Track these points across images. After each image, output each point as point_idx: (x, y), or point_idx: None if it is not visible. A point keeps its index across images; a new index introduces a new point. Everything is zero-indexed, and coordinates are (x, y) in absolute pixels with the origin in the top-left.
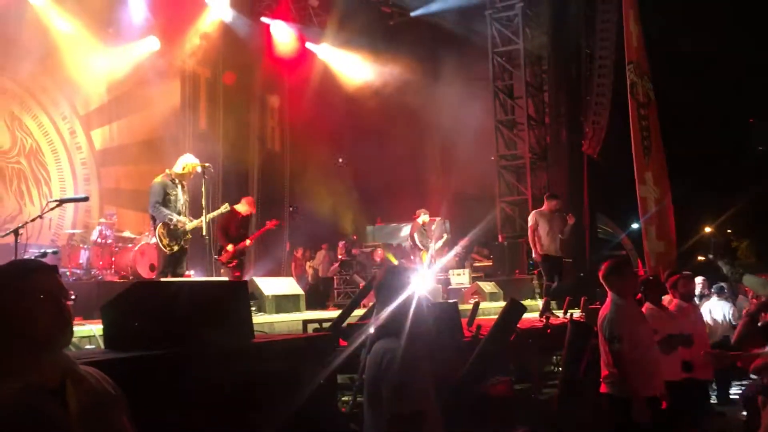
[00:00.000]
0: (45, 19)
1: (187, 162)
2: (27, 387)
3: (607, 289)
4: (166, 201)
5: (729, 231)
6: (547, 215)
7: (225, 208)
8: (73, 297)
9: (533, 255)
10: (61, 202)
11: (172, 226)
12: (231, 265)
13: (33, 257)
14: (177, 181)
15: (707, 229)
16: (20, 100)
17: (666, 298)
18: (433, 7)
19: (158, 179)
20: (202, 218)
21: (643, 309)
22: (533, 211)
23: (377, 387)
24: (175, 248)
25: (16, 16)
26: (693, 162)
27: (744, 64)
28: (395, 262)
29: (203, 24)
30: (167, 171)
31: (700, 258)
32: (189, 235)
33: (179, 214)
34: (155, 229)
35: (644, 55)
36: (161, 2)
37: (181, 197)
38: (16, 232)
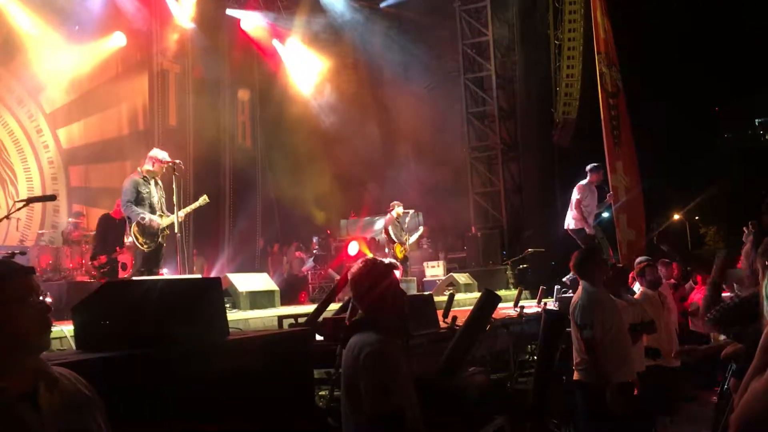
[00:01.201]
0: (8, 18)
1: (156, 157)
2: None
3: (578, 278)
4: (138, 199)
5: (697, 218)
6: (592, 189)
7: (203, 200)
8: (49, 299)
9: (573, 226)
10: (29, 201)
11: (146, 225)
12: (103, 270)
13: (2, 258)
14: (149, 177)
15: (676, 217)
16: None
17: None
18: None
19: (129, 178)
20: (177, 214)
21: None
22: (579, 184)
23: (355, 381)
24: (152, 245)
25: None
26: (661, 151)
27: (711, 52)
28: (370, 255)
29: (171, 19)
30: (138, 169)
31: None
32: (166, 231)
33: (153, 211)
34: (130, 228)
35: (613, 45)
36: None
37: (155, 193)
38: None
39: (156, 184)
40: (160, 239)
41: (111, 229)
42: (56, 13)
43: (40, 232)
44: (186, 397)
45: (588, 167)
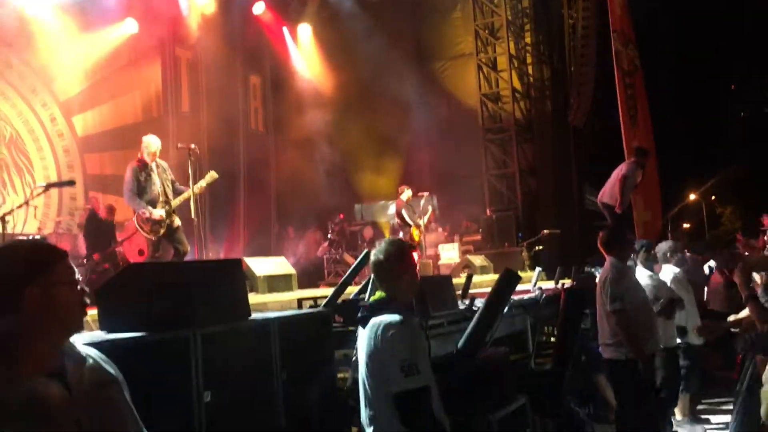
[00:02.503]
0: (19, 6)
1: (149, 143)
2: (28, 372)
3: (606, 255)
4: (139, 189)
5: (713, 197)
6: (638, 171)
7: (210, 176)
8: (80, 279)
9: (609, 201)
10: (48, 186)
11: (146, 218)
12: (100, 268)
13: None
14: (148, 165)
15: (692, 197)
16: None
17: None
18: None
19: (128, 167)
20: (180, 197)
21: (643, 275)
22: (628, 161)
23: (377, 361)
24: (161, 231)
25: None
26: (677, 130)
27: (726, 31)
28: (390, 237)
29: (182, 5)
30: (138, 157)
31: (686, 225)
32: (174, 214)
33: (157, 198)
34: (134, 220)
35: (628, 22)
36: None
37: (156, 181)
38: (2, 219)
39: (158, 167)
40: (170, 223)
41: (99, 228)
42: (68, 1)
43: (57, 219)
44: (209, 379)
45: (637, 147)
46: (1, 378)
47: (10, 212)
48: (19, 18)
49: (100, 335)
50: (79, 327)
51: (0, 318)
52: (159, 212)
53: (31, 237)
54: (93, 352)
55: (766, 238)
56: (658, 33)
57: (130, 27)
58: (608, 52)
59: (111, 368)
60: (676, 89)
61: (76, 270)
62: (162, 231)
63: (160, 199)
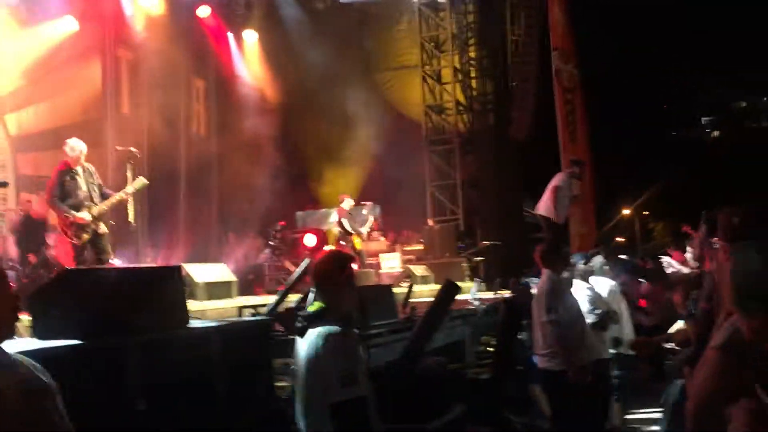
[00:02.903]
0: None
1: (74, 146)
2: None
3: (543, 268)
4: (64, 193)
5: (646, 213)
6: (570, 179)
7: (140, 182)
8: (11, 284)
9: (549, 214)
10: None
11: (72, 222)
12: (37, 270)
13: None
14: (74, 168)
15: (625, 212)
16: None
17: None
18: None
19: (55, 171)
20: (106, 202)
21: (579, 287)
22: (561, 172)
23: (317, 371)
24: (85, 237)
25: None
26: (612, 146)
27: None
28: (333, 247)
29: (124, 4)
30: (64, 160)
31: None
32: (99, 221)
33: (82, 203)
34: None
35: (570, 41)
36: None
37: (82, 185)
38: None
39: (85, 171)
40: (93, 230)
41: (31, 230)
42: None
43: None
44: (145, 387)
45: (572, 159)
46: None
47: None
48: None
49: (34, 342)
50: (8, 333)
51: None
52: (83, 215)
53: None
54: (25, 361)
55: (689, 248)
56: (598, 52)
57: (69, 25)
58: (550, 68)
59: (43, 376)
60: (613, 107)
61: (6, 274)
62: (86, 236)
63: (86, 203)
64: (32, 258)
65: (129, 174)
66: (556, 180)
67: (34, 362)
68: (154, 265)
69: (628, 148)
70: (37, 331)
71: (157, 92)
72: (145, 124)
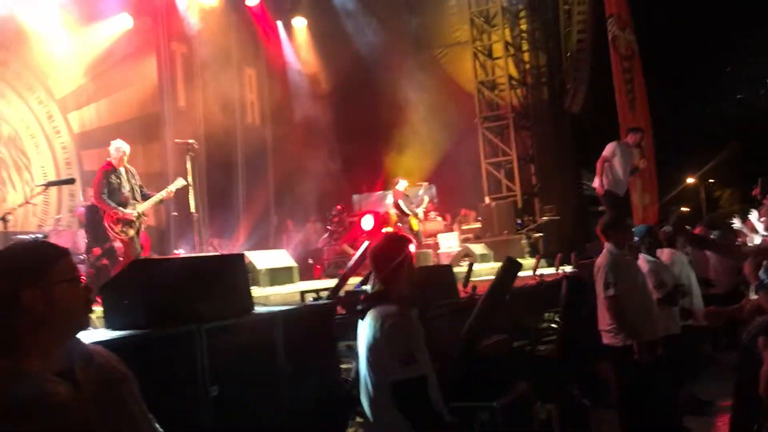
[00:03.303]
0: (13, 5)
1: (119, 147)
2: (37, 372)
3: (604, 241)
4: (111, 191)
5: (711, 181)
6: (626, 150)
7: (180, 182)
8: (84, 277)
9: (596, 185)
10: (48, 185)
11: (119, 218)
12: (99, 263)
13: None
14: (117, 168)
15: (690, 180)
16: None
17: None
18: None
19: (100, 170)
20: (148, 202)
21: (644, 260)
22: (613, 142)
23: (376, 352)
24: (131, 233)
25: None
26: (674, 113)
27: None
28: (391, 229)
29: None
30: (108, 160)
31: (683, 209)
32: (143, 217)
33: (126, 200)
34: (103, 220)
35: (625, 7)
36: None
37: (125, 184)
38: (4, 218)
39: (128, 172)
40: (137, 227)
41: (96, 223)
42: None
43: (57, 216)
44: (214, 373)
45: (629, 128)
46: (12, 375)
47: (11, 211)
48: (14, 17)
49: (106, 333)
50: (83, 325)
51: (6, 318)
52: (130, 211)
53: (32, 236)
54: (101, 350)
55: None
56: (655, 16)
57: (124, 22)
58: (604, 38)
59: (120, 365)
60: (673, 72)
61: (79, 267)
62: (132, 232)
63: (130, 201)
64: (97, 250)
65: (188, 166)
66: (606, 151)
67: (110, 352)
68: (217, 253)
69: (690, 114)
70: (109, 322)
71: (211, 84)
72: (201, 115)
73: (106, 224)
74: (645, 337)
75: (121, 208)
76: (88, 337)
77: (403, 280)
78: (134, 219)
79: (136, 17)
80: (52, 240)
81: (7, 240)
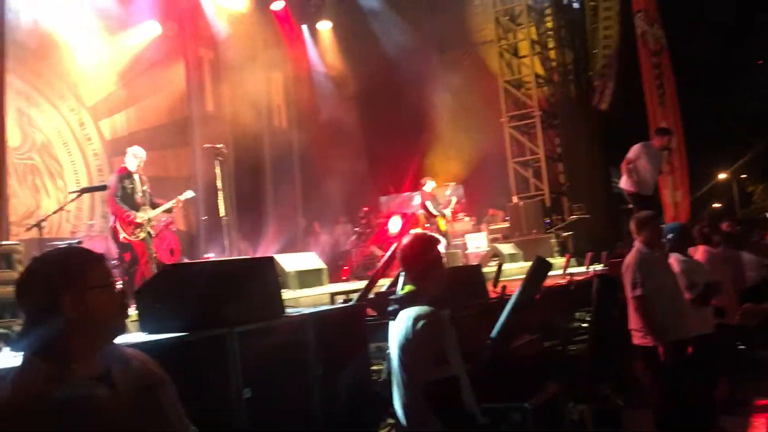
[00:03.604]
0: (43, 15)
1: (136, 154)
2: (77, 376)
3: (635, 238)
4: (124, 195)
5: (744, 176)
6: (655, 152)
7: (189, 194)
8: (119, 282)
9: (622, 185)
10: (82, 192)
11: (130, 221)
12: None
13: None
14: (132, 174)
15: (721, 176)
16: (26, 96)
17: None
18: None
19: (114, 174)
20: (158, 209)
21: (676, 259)
22: (639, 144)
23: (409, 353)
24: (141, 235)
25: (13, 12)
26: (704, 107)
27: (752, 5)
28: (420, 230)
29: (202, 4)
30: (123, 165)
31: (715, 205)
32: (153, 222)
33: (138, 205)
34: (116, 223)
35: (653, 1)
36: None
37: (138, 189)
38: (39, 225)
39: (139, 178)
40: (147, 232)
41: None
42: (90, 6)
43: (89, 222)
44: (247, 376)
45: (656, 129)
46: (54, 378)
47: (46, 218)
48: (45, 26)
49: (141, 336)
50: (119, 329)
51: (46, 323)
52: (141, 215)
53: (68, 242)
54: (138, 354)
55: None
56: (683, 10)
57: (153, 29)
58: (630, 33)
59: (156, 369)
60: (703, 66)
61: (114, 272)
62: (142, 235)
63: (141, 207)
64: (127, 255)
65: (217, 170)
66: (630, 153)
67: (147, 356)
68: (248, 256)
69: (721, 108)
70: (143, 326)
71: (239, 88)
72: (229, 120)
73: (116, 226)
74: (673, 338)
75: (133, 212)
76: (124, 341)
77: (434, 280)
78: (144, 223)
79: (164, 24)
80: (85, 245)
81: (42, 246)
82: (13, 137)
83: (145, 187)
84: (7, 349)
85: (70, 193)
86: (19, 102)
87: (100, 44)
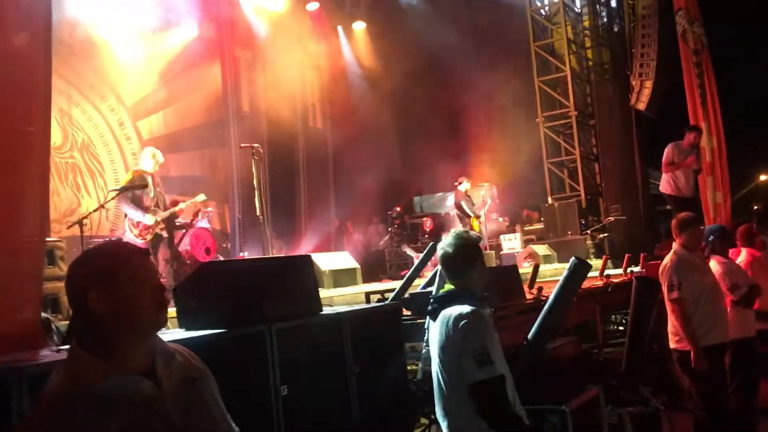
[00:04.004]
0: (84, 16)
1: (154, 154)
2: (120, 370)
3: (675, 239)
4: (135, 197)
5: None
6: (685, 150)
7: (201, 198)
8: (163, 279)
9: (663, 188)
10: (121, 190)
11: (140, 222)
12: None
13: (117, 241)
14: (146, 175)
15: (763, 177)
16: (67, 96)
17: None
18: None
19: (127, 176)
20: (169, 212)
21: (717, 261)
22: (670, 144)
23: (451, 352)
24: (149, 237)
25: (57, 14)
26: (743, 106)
27: None
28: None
29: (240, 5)
30: (136, 167)
31: (756, 207)
32: (162, 225)
33: (150, 207)
34: (125, 222)
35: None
36: None
37: (151, 191)
38: (80, 223)
39: (152, 180)
40: (156, 233)
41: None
42: (130, 7)
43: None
44: (284, 373)
45: (687, 127)
46: (98, 370)
47: (87, 216)
48: (86, 27)
49: (180, 333)
50: (156, 324)
51: (84, 319)
52: (150, 219)
53: (109, 239)
54: (182, 349)
55: None
56: (724, 9)
57: (190, 30)
58: (668, 32)
59: (199, 365)
60: (745, 65)
61: (154, 269)
62: (149, 237)
63: (152, 207)
64: (164, 252)
65: (253, 169)
66: (665, 156)
67: (191, 351)
68: (280, 255)
69: (762, 108)
70: (183, 322)
71: (274, 88)
72: (264, 120)
73: (126, 226)
74: (710, 342)
75: (139, 213)
76: (168, 336)
77: (475, 279)
78: (153, 225)
79: (202, 25)
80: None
81: (84, 243)
82: (55, 136)
83: (158, 189)
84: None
85: (110, 191)
86: (61, 102)
87: (139, 45)
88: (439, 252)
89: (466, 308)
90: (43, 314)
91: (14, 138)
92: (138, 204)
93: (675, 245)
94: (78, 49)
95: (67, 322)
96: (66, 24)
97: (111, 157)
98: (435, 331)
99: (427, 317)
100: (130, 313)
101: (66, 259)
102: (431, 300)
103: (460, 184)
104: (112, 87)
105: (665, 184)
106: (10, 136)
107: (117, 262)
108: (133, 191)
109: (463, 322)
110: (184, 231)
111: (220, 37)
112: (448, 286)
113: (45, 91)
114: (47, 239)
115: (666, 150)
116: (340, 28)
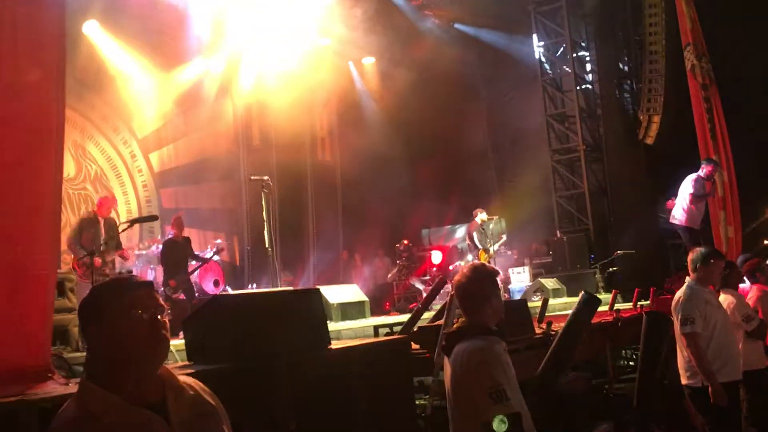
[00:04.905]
0: (98, 49)
1: (107, 201)
2: (130, 403)
3: (690, 272)
4: (84, 238)
5: None
6: (704, 182)
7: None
8: (168, 311)
9: (677, 220)
10: (134, 222)
11: (85, 262)
12: (175, 294)
13: (120, 275)
14: (96, 218)
15: None
16: (81, 128)
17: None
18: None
19: (78, 219)
20: (117, 252)
21: (729, 294)
22: (695, 175)
23: (465, 388)
24: (94, 278)
25: (71, 47)
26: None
27: None
28: (461, 263)
29: (249, 42)
30: (89, 210)
31: (766, 242)
32: (107, 266)
33: (97, 248)
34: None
35: (700, 35)
36: (207, 26)
37: (102, 233)
38: (92, 253)
39: (106, 224)
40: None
41: (173, 253)
42: (143, 43)
43: (137, 252)
44: (293, 407)
45: (704, 160)
46: (109, 405)
47: (98, 248)
48: (99, 59)
49: (188, 366)
50: (154, 357)
51: (88, 350)
52: (98, 259)
53: (122, 270)
54: (193, 382)
55: None
56: (731, 41)
57: (202, 65)
58: (676, 67)
59: (210, 398)
60: (753, 99)
61: (152, 302)
62: (94, 278)
63: (98, 251)
64: (173, 282)
65: (263, 202)
66: (691, 186)
67: (203, 385)
68: (294, 288)
69: None
70: (191, 354)
71: (284, 124)
72: (274, 154)
73: (70, 266)
74: (724, 379)
75: (84, 253)
76: (179, 370)
77: (490, 312)
78: (99, 265)
79: (213, 60)
80: (135, 273)
81: (96, 274)
82: (68, 168)
83: (112, 232)
84: (59, 375)
85: (121, 223)
86: (75, 134)
87: (152, 79)
88: (455, 284)
89: (478, 343)
90: (53, 347)
91: (26, 173)
92: (87, 247)
93: (689, 279)
94: (92, 84)
95: (76, 354)
96: (80, 59)
97: (123, 189)
98: (448, 367)
99: (436, 351)
100: (125, 347)
101: (76, 292)
102: (444, 335)
103: (476, 215)
104: (125, 120)
105: (683, 216)
106: (23, 170)
107: (111, 298)
108: (83, 233)
109: (475, 358)
110: (193, 263)
111: (231, 72)
112: (462, 320)
113: (57, 126)
114: (58, 271)
115: (692, 182)
116: (351, 63)
